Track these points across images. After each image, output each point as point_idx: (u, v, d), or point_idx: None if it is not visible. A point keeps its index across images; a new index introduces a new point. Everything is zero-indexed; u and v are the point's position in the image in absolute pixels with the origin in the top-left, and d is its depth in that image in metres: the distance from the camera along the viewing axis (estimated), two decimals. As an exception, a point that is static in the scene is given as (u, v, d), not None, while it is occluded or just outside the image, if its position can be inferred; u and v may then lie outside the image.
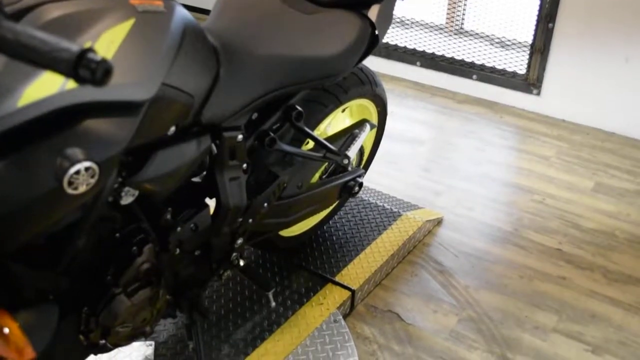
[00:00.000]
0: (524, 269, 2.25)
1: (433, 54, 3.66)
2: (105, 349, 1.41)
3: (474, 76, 3.55)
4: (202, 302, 1.59)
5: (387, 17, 1.69)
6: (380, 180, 2.75)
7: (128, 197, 1.24)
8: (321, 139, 1.70)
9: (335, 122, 2.07)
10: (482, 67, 3.53)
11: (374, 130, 2.12)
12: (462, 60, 3.58)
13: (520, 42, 3.56)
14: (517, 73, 3.44)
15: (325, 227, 2.29)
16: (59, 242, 1.08)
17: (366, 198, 2.47)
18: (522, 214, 2.56)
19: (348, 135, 1.83)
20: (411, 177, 2.80)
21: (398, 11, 3.83)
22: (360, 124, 1.87)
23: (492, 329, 1.98)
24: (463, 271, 2.23)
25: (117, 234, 1.29)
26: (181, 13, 1.17)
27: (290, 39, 1.48)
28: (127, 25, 1.01)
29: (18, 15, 0.92)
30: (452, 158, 2.97)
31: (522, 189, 2.73)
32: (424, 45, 3.70)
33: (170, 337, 1.81)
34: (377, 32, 1.64)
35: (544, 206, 2.61)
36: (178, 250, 1.41)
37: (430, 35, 3.75)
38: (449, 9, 3.81)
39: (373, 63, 3.81)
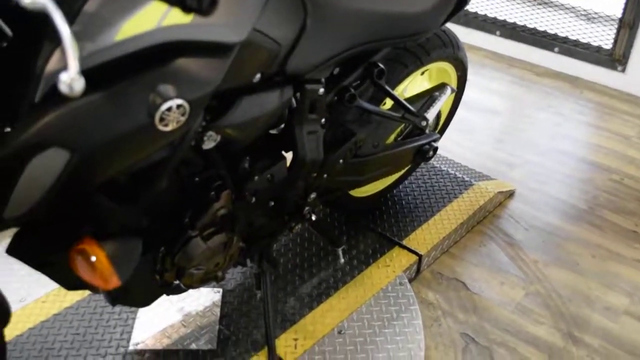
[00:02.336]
0: (597, 249, 2.18)
1: (514, 23, 3.55)
2: (177, 290, 1.45)
3: (556, 49, 3.43)
4: (272, 252, 1.61)
5: (478, -24, 1.64)
6: (452, 148, 2.71)
7: (210, 142, 1.25)
8: (400, 98, 1.67)
9: (414, 84, 2.04)
10: (564, 40, 3.40)
11: (453, 95, 2.08)
12: (544, 32, 3.46)
13: (607, 16, 3.41)
14: (602, 48, 3.29)
15: (395, 191, 2.27)
16: (142, 179, 1.11)
17: (437, 165, 2.44)
18: (598, 193, 2.47)
19: (427, 97, 1.80)
20: (484, 148, 2.74)
21: (481, -22, 3.72)
22: (440, 87, 1.83)
23: (560, 306, 1.94)
24: (533, 245, 2.18)
25: (197, 179, 1.31)
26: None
27: (379, -7, 1.45)
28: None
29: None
30: (528, 131, 2.89)
31: (599, 167, 2.64)
32: (505, 15, 3.59)
33: (238, 285, 1.84)
34: (466, -9, 1.60)
35: (622, 186, 2.52)
36: (253, 199, 1.42)
37: (512, 5, 3.63)
38: (533, -22, 3.68)
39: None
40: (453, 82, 2.05)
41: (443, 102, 1.80)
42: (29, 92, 0.86)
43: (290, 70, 1.30)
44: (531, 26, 3.50)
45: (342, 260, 1.77)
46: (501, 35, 3.59)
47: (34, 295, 1.80)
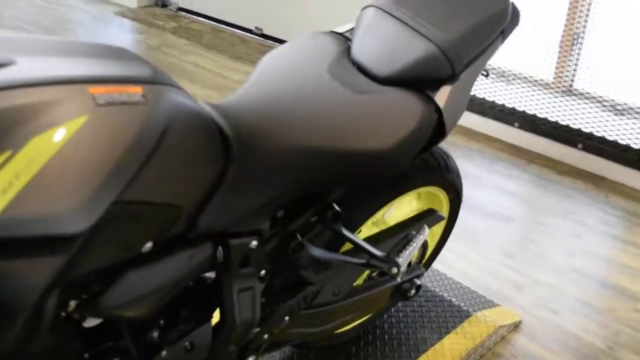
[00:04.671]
0: (615, 405, 1.83)
1: (534, 115, 3.26)
2: None
3: (579, 145, 3.12)
4: None
5: (460, 104, 1.36)
6: (454, 261, 2.39)
7: (92, 320, 1.00)
8: (364, 243, 1.38)
9: (399, 207, 1.76)
10: (589, 136, 3.09)
11: (443, 221, 1.79)
12: (567, 126, 3.16)
13: (638, 108, 3.10)
14: (630, 147, 2.97)
15: (377, 322, 1.96)
16: None
17: (432, 287, 2.13)
18: (620, 327, 2.12)
19: (402, 237, 1.50)
20: (490, 263, 2.42)
21: (499, 62, 3.45)
22: (418, 226, 1.53)
23: None
24: (537, 397, 1.84)
25: (86, 355, 1.05)
26: (170, 102, 0.90)
27: (331, 126, 1.19)
28: (69, 129, 0.76)
29: None
30: (543, 243, 2.56)
31: (623, 293, 2.29)
32: (525, 105, 3.31)
33: None
34: (444, 121, 1.31)
35: (648, 319, 2.17)
36: (163, 376, 1.14)
37: (534, 93, 3.35)
38: (558, 63, 3.39)
39: (464, 119, 3.45)
40: (444, 206, 1.76)
41: (420, 244, 1.50)
42: None
43: (205, 228, 1.03)
44: (553, 119, 3.20)
45: None
46: (520, 127, 3.30)
47: None
